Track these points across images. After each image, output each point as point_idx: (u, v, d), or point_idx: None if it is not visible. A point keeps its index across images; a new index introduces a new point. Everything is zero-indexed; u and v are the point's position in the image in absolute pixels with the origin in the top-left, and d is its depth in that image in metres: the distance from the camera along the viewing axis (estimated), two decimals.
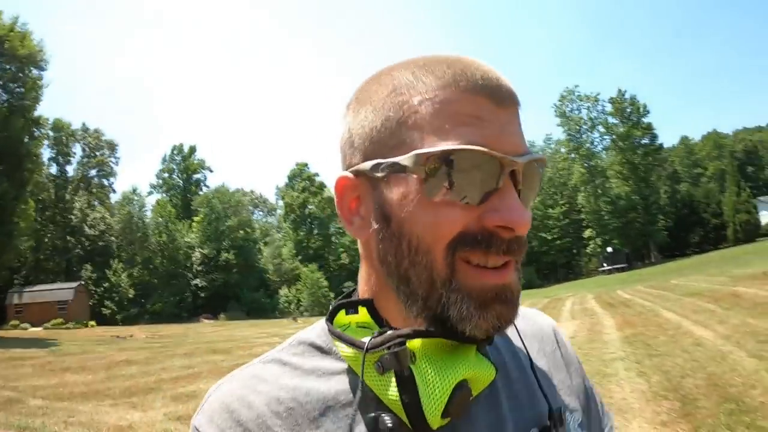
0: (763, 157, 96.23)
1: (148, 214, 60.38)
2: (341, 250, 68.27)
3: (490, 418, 0.68)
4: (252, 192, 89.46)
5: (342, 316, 0.71)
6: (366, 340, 0.63)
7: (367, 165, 0.64)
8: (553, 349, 0.83)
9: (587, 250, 68.81)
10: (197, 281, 55.00)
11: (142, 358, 16.52)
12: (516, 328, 0.76)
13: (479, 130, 0.59)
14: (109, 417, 8.41)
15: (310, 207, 69.62)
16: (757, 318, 10.54)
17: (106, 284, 46.02)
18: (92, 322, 35.84)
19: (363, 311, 0.69)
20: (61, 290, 39.85)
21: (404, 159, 0.60)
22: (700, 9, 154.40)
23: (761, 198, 65.35)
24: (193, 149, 71.60)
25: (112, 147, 61.34)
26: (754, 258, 26.91)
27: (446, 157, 0.58)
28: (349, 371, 0.68)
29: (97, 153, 60.08)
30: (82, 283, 43.18)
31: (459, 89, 0.61)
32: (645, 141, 68.59)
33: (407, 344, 0.61)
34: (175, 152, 71.50)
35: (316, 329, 0.75)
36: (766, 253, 29.44)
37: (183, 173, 70.41)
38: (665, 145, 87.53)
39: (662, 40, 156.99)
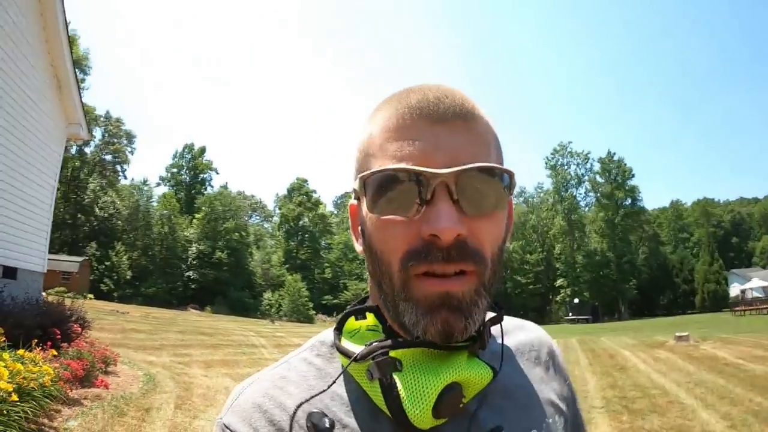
0: (752, 229, 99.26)
1: (154, 204, 63.66)
2: (326, 265, 71.73)
3: (492, 420, 0.72)
4: (252, 197, 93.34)
5: (352, 322, 0.76)
6: (362, 348, 0.69)
7: (352, 190, 0.74)
8: (547, 359, 0.88)
9: (557, 299, 71.82)
10: (190, 273, 57.74)
11: (145, 328, 20.49)
12: (502, 338, 0.81)
13: (413, 150, 0.66)
14: (136, 356, 12.51)
15: (304, 220, 72.92)
16: (605, 377, 12.54)
17: (108, 263, 48.58)
18: (91, 295, 38.51)
19: (371, 317, 0.74)
20: (68, 262, 42.06)
21: (355, 184, 0.71)
22: (704, 77, 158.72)
23: (735, 270, 67.20)
24: (202, 150, 75.20)
25: (129, 137, 64.53)
26: (703, 327, 30.30)
27: (378, 177, 0.66)
28: (348, 376, 0.74)
29: (116, 140, 63.17)
30: (87, 258, 45.86)
31: (400, 116, 0.69)
32: (627, 203, 72.41)
33: (394, 353, 0.66)
34: (186, 150, 75.12)
35: (336, 333, 0.79)
36: (714, 324, 32.88)
37: (191, 171, 73.86)
38: (659, 206, 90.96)
39: (670, 103, 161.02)
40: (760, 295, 47.95)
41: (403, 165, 0.64)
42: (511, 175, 0.69)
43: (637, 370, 12.95)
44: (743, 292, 52.87)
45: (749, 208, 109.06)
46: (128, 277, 49.98)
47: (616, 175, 72.42)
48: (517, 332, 0.87)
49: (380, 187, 0.65)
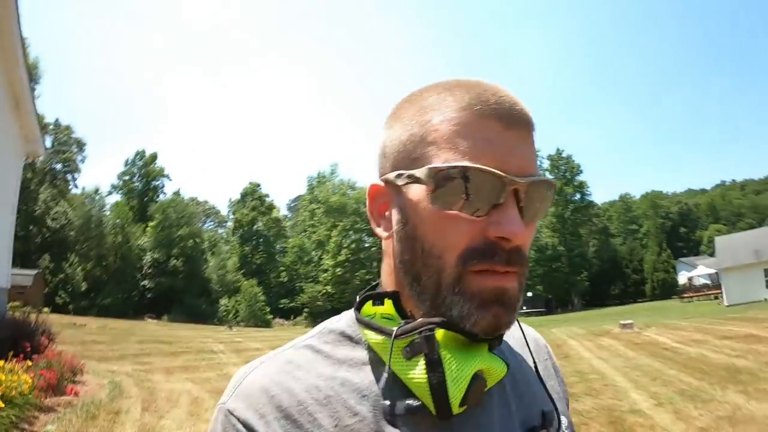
0: (699, 219, 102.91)
1: (107, 213, 62.15)
2: (282, 269, 71.97)
3: (502, 412, 0.73)
4: (205, 202, 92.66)
5: (369, 307, 0.74)
6: (392, 328, 0.67)
7: (393, 174, 0.72)
8: (545, 359, 0.91)
9: None
10: (145, 282, 57.19)
11: (104, 339, 20.96)
12: (523, 334, 0.84)
13: (488, 151, 0.65)
14: (99, 366, 13.09)
15: (258, 225, 73.03)
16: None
17: (62, 275, 47.94)
18: (46, 309, 38.36)
19: (389, 303, 0.72)
20: (21, 275, 41.06)
21: (419, 172, 0.68)
22: (654, 74, 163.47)
23: (683, 259, 69.95)
24: (154, 156, 74.13)
25: (80, 145, 63.47)
26: (653, 313, 31.74)
27: (454, 174, 0.64)
28: (379, 361, 0.70)
29: (66, 149, 61.99)
30: (40, 271, 45.47)
31: (474, 112, 0.67)
32: (576, 198, 74.53)
33: (432, 333, 0.65)
34: (137, 157, 74.28)
35: (345, 318, 0.79)
36: (661, 311, 34.38)
37: (143, 178, 72.83)
38: (609, 200, 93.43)
39: (621, 100, 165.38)
40: (707, 282, 50.20)
41: (482, 166, 0.64)
42: (555, 190, 0.71)
43: (579, 358, 13.86)
44: (690, 279, 55.29)
45: (697, 199, 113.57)
46: (83, 288, 49.31)
47: (565, 172, 74.32)
48: (520, 330, 0.88)
49: (451, 181, 0.65)
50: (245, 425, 0.67)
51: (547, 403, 0.79)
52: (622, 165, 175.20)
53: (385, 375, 0.67)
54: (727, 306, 34.78)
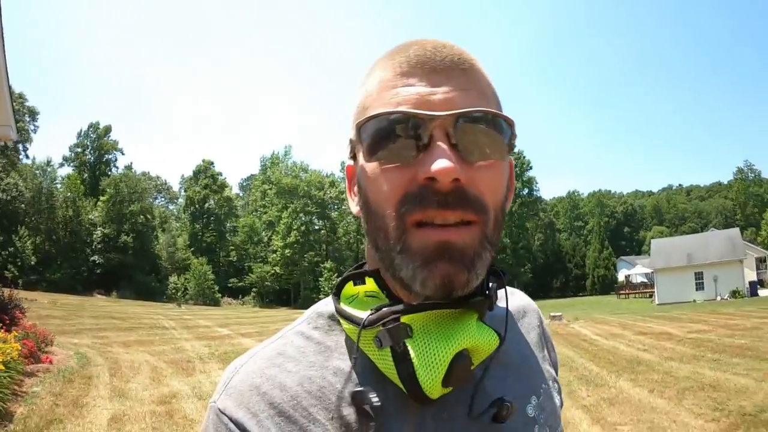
0: (644, 220, 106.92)
1: (58, 186, 62.05)
2: (232, 248, 72.67)
3: (495, 387, 0.70)
4: (157, 178, 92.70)
5: (350, 287, 0.72)
6: (364, 314, 0.64)
7: (348, 149, 0.71)
8: (536, 325, 0.87)
9: None
10: (95, 258, 56.70)
11: (59, 314, 22.10)
12: (506, 299, 0.77)
13: (410, 94, 0.63)
14: (60, 340, 14.40)
15: (209, 203, 73.18)
16: None
17: (11, 248, 47.20)
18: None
19: (370, 281, 0.70)
20: None
21: (351, 133, 0.68)
22: (608, 76, 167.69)
23: (624, 257, 73.02)
24: (108, 129, 73.62)
25: (33, 114, 62.43)
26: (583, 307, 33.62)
27: (374, 123, 0.62)
28: (354, 346, 0.67)
29: (18, 117, 59.70)
30: None
31: (398, 64, 0.66)
32: (524, 192, 77.08)
33: (405, 318, 0.62)
34: (91, 129, 73.75)
35: (334, 301, 0.74)
36: (597, 306, 36.48)
37: (95, 151, 72.54)
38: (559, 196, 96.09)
39: (575, 101, 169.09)
40: (644, 280, 53.11)
41: (398, 108, 0.62)
42: (511, 124, 0.66)
43: None
44: (627, 277, 58.15)
45: (642, 201, 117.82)
46: (32, 263, 48.70)
47: (514, 167, 76.65)
48: (511, 297, 0.83)
49: (376, 133, 0.63)
50: (237, 425, 0.65)
51: (534, 376, 0.79)
52: (573, 163, 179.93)
53: (359, 364, 0.67)
54: (658, 304, 37.81)
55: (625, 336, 16.00)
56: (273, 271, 66.28)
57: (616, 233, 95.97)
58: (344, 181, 0.79)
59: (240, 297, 63.79)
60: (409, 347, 0.61)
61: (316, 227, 71.90)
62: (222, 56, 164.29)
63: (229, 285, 66.30)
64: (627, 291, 54.11)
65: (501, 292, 0.75)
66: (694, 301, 37.10)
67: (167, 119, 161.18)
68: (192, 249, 67.71)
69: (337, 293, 0.73)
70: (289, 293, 66.68)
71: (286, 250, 66.32)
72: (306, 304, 58.37)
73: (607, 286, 66.92)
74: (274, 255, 67.31)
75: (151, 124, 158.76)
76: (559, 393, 0.85)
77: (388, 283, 0.69)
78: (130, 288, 52.78)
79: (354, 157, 0.71)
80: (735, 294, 37.27)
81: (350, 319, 0.67)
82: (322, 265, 65.17)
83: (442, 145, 0.60)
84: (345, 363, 0.69)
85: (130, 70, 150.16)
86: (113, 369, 11.10)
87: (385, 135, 0.62)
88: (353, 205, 0.75)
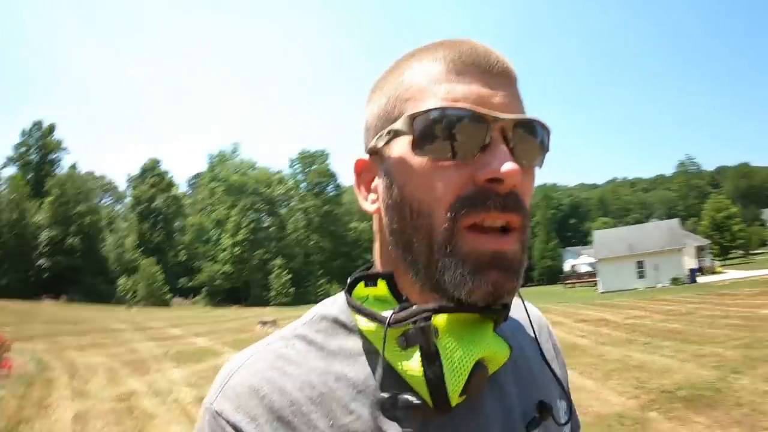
0: (590, 211, 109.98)
1: (2, 187, 60.82)
2: (180, 247, 72.45)
3: (503, 399, 0.68)
4: (103, 177, 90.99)
5: (361, 288, 0.68)
6: (386, 313, 0.62)
7: (375, 139, 0.68)
8: (547, 338, 0.86)
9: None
10: (42, 261, 56.05)
11: (10, 321, 22.27)
12: (526, 312, 0.80)
13: (469, 93, 0.61)
14: (14, 346, 14.76)
15: (157, 202, 72.26)
16: None
17: None
18: None
19: (382, 284, 0.66)
20: None
21: (398, 123, 0.63)
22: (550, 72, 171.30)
23: (569, 248, 74.68)
24: (51, 127, 72.34)
25: None
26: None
27: (435, 117, 0.59)
28: (374, 351, 0.65)
29: None
30: None
31: (451, 62, 0.63)
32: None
33: (435, 319, 0.60)
34: (34, 128, 72.16)
35: (338, 303, 0.72)
36: (543, 296, 37.71)
37: (39, 150, 71.10)
38: None
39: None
40: (589, 270, 54.96)
41: (463, 104, 0.60)
42: (550, 137, 0.67)
43: None
44: (573, 267, 60.14)
45: (589, 194, 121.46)
46: None
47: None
48: (522, 308, 0.83)
49: (432, 127, 0.60)
50: (235, 429, 0.61)
51: (548, 390, 0.76)
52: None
53: (381, 367, 0.61)
54: (601, 293, 39.40)
55: (566, 324, 16.53)
56: (223, 270, 66.26)
57: (562, 225, 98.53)
58: (349, 177, 0.82)
59: (191, 296, 63.73)
60: (439, 349, 0.59)
61: (265, 224, 72.06)
62: (168, 52, 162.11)
63: (179, 285, 66.12)
64: (573, 281, 56.03)
65: (517, 301, 0.76)
66: (636, 289, 38.68)
67: (112, 117, 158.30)
68: (141, 249, 66.94)
69: (349, 291, 0.70)
70: (240, 291, 66.62)
71: (236, 248, 66.47)
72: (257, 302, 60.08)
73: (553, 276, 68.91)
74: (224, 253, 67.23)
75: (97, 123, 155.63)
76: (572, 412, 0.81)
77: (403, 287, 0.66)
78: (79, 291, 52.27)
79: (373, 151, 0.69)
80: (675, 281, 38.74)
81: (372, 316, 0.64)
82: (272, 263, 65.35)
83: (505, 147, 0.60)
84: (348, 368, 0.65)
85: (76, 67, 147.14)
86: (71, 372, 11.70)
87: (443, 130, 0.59)
88: (367, 203, 0.71)
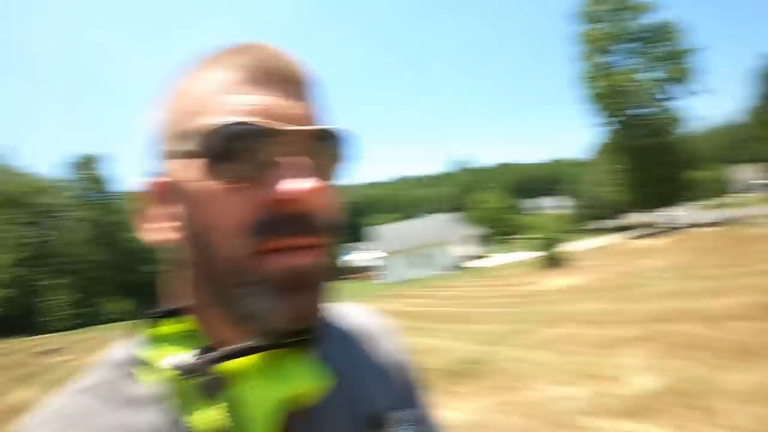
0: (375, 208, 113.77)
1: None
2: None
3: (327, 424, 0.62)
4: None
5: (160, 328, 0.59)
6: (183, 358, 0.55)
7: (162, 162, 0.60)
8: (383, 343, 0.78)
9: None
10: None
11: None
12: (352, 321, 0.75)
13: (260, 104, 0.56)
14: None
15: None
16: None
17: None
18: None
19: (183, 320, 0.60)
20: None
21: (185, 143, 0.56)
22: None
23: (353, 243, 77.81)
24: None
25: None
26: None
27: (223, 133, 0.53)
28: (168, 398, 0.55)
29: None
30: None
31: (243, 71, 0.57)
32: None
33: (229, 364, 0.54)
34: None
35: (131, 346, 0.62)
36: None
37: None
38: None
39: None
40: (372, 264, 56.57)
41: (247, 119, 0.54)
42: (353, 144, 0.61)
43: None
44: (354, 262, 61.78)
45: (376, 191, 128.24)
46: None
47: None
48: (344, 320, 0.77)
49: (221, 146, 0.53)
50: None
51: (385, 402, 0.69)
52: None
53: (175, 419, 0.54)
54: (383, 285, 40.54)
55: None
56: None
57: (350, 222, 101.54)
58: (129, 201, 0.66)
59: None
60: (239, 396, 0.54)
61: (38, 239, 66.11)
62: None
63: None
64: (355, 275, 57.68)
65: (340, 310, 0.72)
66: (410, 279, 39.89)
67: None
68: None
69: (142, 335, 0.60)
70: (17, 319, 60.03)
71: (17, 268, 59.79)
72: (37, 329, 53.72)
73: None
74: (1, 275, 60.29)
75: None
76: (423, 418, 0.74)
77: (209, 320, 0.59)
78: None
79: (159, 172, 0.61)
80: (451, 269, 41.14)
81: (168, 362, 0.55)
82: (51, 282, 59.46)
83: (298, 162, 0.54)
84: (140, 419, 0.55)
85: None
86: None
87: (234, 148, 0.53)
88: (158, 232, 0.61)
